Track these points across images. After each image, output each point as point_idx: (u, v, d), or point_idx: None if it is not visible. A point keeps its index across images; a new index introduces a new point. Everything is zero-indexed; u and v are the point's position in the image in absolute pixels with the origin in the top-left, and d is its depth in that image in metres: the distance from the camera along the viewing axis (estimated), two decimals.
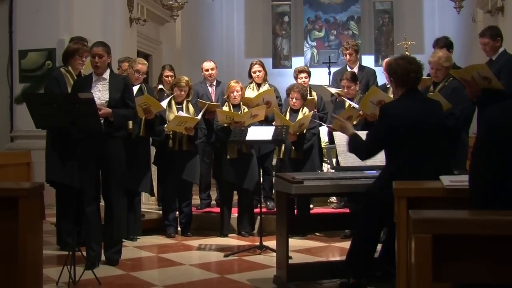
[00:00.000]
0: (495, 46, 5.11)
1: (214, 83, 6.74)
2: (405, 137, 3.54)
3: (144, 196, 6.76)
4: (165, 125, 5.83)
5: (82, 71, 5.37)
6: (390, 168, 3.62)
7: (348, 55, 6.56)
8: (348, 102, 5.75)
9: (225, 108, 6.05)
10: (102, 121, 4.56)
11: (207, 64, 6.77)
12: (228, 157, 5.92)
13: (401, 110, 3.61)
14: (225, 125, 5.87)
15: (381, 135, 3.67)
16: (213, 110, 6.18)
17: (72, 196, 5.13)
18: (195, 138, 5.93)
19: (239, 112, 5.96)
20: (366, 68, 6.81)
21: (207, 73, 6.71)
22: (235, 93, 6.02)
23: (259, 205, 5.85)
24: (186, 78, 6.05)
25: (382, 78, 6.79)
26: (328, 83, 9.33)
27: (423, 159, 3.50)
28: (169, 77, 6.67)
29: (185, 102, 6.02)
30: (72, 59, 5.29)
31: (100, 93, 4.67)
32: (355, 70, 6.49)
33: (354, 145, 3.88)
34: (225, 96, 6.20)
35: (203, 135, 6.07)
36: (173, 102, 6.01)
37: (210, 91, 6.70)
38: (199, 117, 5.85)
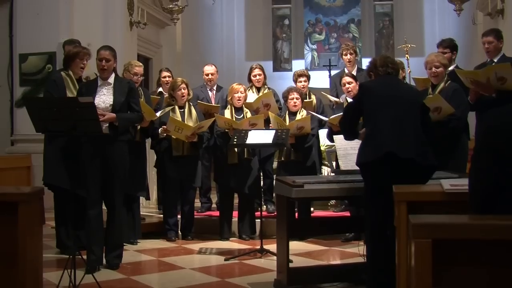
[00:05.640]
0: (498, 47, 5.17)
1: (215, 88, 6.73)
2: (377, 105, 3.68)
3: (143, 199, 6.75)
4: (165, 126, 5.78)
5: (82, 74, 5.38)
6: (366, 133, 3.76)
7: (348, 55, 6.54)
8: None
9: (227, 111, 6.04)
10: (107, 125, 4.58)
11: (208, 68, 6.76)
12: (228, 162, 5.92)
13: (376, 84, 3.87)
14: (226, 130, 5.87)
15: (354, 104, 3.97)
16: (212, 113, 6.18)
17: (70, 200, 5.11)
18: (200, 143, 5.92)
19: (241, 116, 5.97)
20: (364, 70, 6.80)
21: (207, 77, 6.71)
22: (239, 94, 6.01)
23: (259, 209, 5.85)
24: (180, 78, 6.06)
25: None
26: (328, 86, 9.31)
27: (393, 129, 3.58)
28: (166, 78, 6.77)
29: (187, 105, 5.98)
30: (73, 63, 5.28)
31: (105, 97, 4.70)
32: (354, 72, 6.49)
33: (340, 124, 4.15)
34: (229, 98, 6.17)
35: (206, 140, 6.04)
36: (176, 107, 5.95)
37: (210, 95, 6.69)
38: (196, 127, 5.78)
